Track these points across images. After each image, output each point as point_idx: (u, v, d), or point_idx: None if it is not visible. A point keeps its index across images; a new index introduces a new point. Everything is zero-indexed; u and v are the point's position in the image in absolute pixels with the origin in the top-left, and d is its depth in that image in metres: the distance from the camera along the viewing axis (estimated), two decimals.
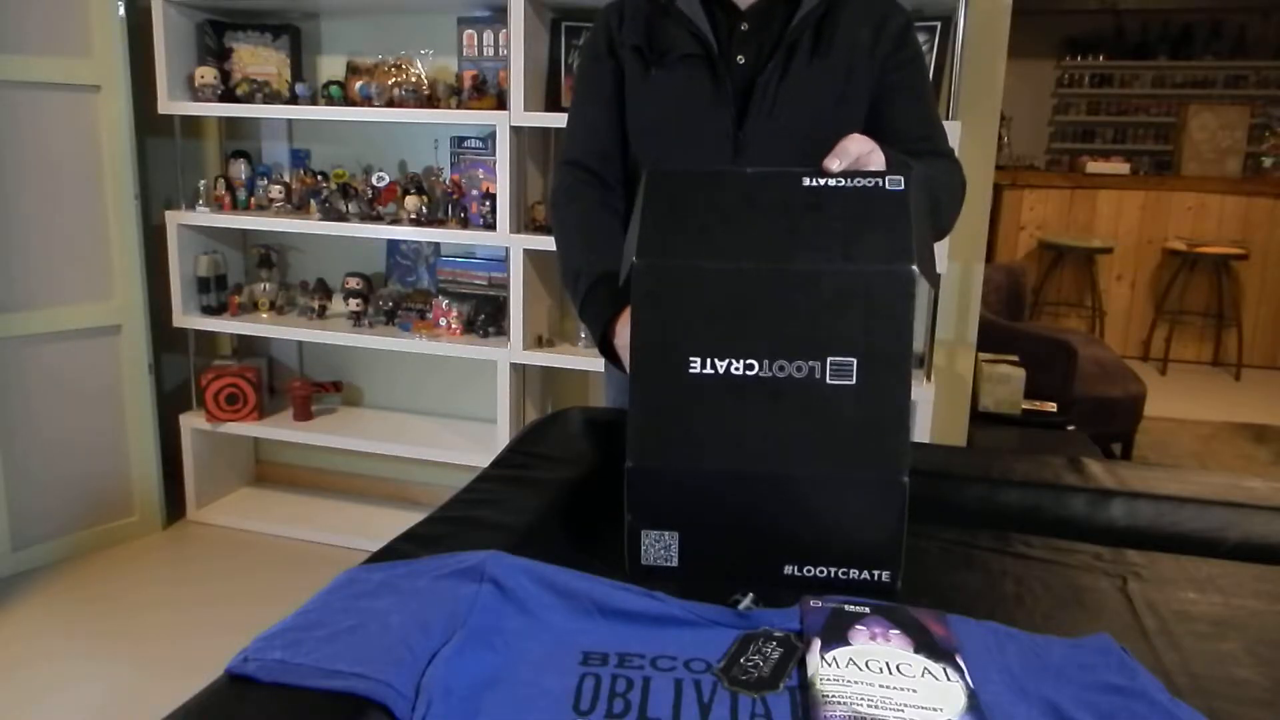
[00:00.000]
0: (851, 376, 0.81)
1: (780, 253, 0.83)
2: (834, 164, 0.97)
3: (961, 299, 2.54)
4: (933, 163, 1.27)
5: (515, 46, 2.38)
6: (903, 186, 0.86)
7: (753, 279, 0.83)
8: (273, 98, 2.75)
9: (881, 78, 1.29)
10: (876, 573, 0.83)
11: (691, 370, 0.82)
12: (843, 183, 0.87)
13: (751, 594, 0.79)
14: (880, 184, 0.87)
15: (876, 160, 1.03)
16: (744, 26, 1.29)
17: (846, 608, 0.74)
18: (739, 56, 1.28)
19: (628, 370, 0.92)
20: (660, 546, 0.85)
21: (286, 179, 2.86)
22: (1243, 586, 0.88)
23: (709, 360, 0.82)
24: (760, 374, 0.82)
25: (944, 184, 1.28)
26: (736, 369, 0.82)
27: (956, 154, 1.39)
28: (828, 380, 0.81)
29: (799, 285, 0.82)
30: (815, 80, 1.27)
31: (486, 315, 2.69)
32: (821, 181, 0.88)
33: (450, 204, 2.64)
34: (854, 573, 0.84)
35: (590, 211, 1.36)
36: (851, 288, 0.81)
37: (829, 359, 0.81)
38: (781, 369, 0.82)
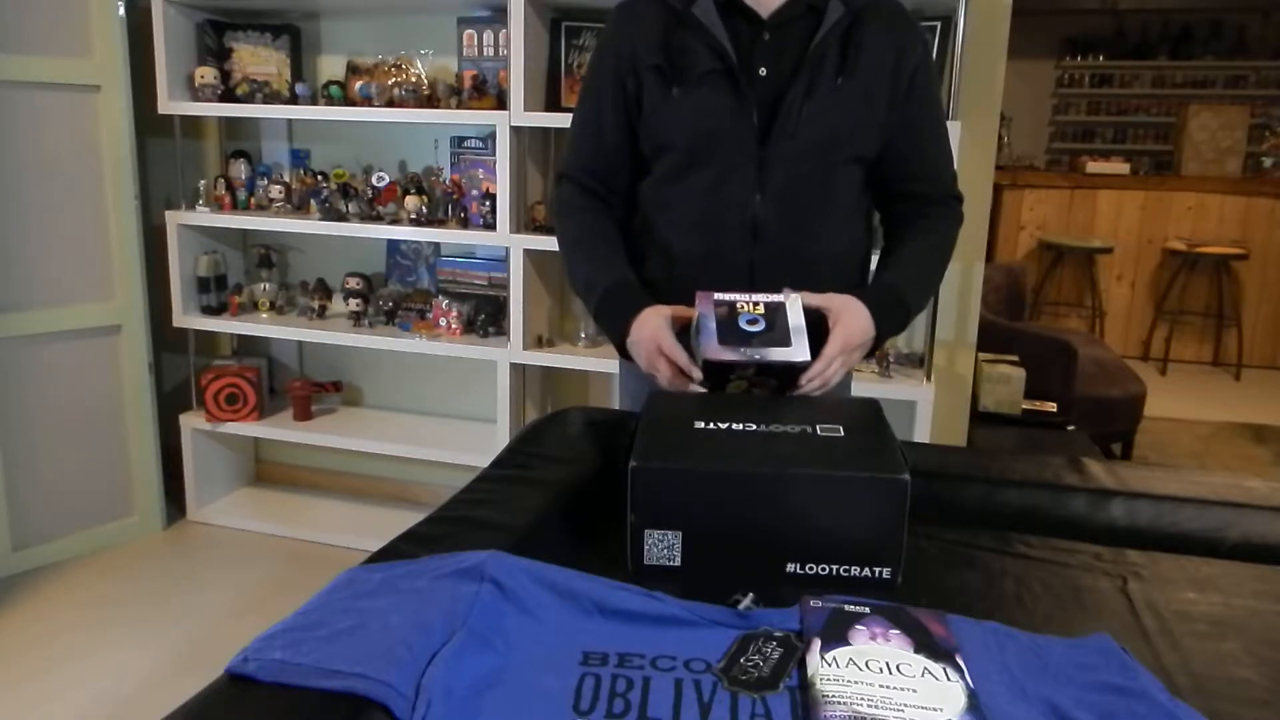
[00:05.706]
0: (839, 433, 0.93)
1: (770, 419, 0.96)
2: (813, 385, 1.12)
3: (961, 299, 2.54)
4: (931, 218, 1.33)
5: (515, 46, 2.38)
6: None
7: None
8: (273, 98, 2.75)
9: (901, 106, 1.29)
10: (878, 570, 0.85)
11: (697, 427, 0.94)
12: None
13: (751, 594, 0.79)
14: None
15: (855, 357, 1.20)
16: (766, 37, 1.26)
17: (846, 608, 0.75)
18: (761, 69, 1.25)
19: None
20: (663, 546, 0.86)
21: (286, 179, 2.86)
22: (1243, 586, 0.88)
23: (711, 423, 0.94)
24: (758, 430, 0.93)
25: (930, 263, 1.34)
26: (736, 429, 0.93)
27: (955, 156, 1.40)
28: (818, 434, 0.93)
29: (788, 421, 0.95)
30: (841, 100, 1.25)
31: (486, 315, 2.69)
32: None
33: (450, 204, 2.64)
34: (855, 569, 0.85)
35: (590, 222, 1.37)
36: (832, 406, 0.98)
37: (818, 425, 0.94)
38: (777, 427, 0.94)
